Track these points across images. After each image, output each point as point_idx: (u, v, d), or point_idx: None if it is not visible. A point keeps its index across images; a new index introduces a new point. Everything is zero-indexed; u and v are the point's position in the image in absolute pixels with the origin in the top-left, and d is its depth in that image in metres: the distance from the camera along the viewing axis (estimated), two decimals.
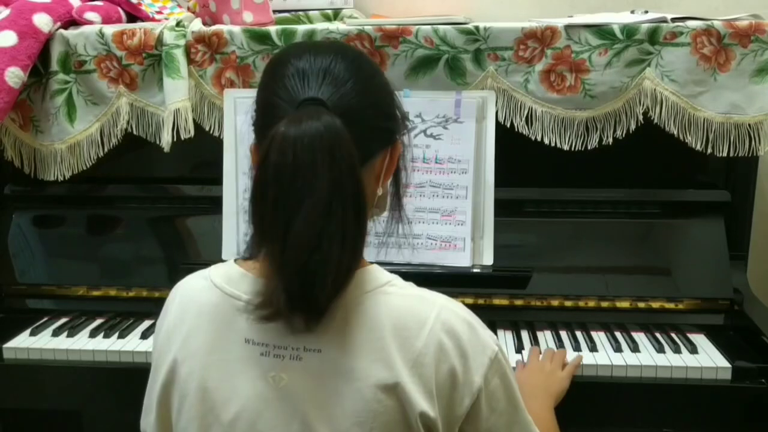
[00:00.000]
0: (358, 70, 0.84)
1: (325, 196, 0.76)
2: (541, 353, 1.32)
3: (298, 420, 0.80)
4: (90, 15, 1.58)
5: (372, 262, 0.88)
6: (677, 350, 1.34)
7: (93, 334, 1.44)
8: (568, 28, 1.42)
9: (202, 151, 1.56)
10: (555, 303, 1.46)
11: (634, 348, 1.35)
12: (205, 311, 0.86)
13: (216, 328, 0.84)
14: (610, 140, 1.46)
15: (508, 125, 1.47)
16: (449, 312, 0.83)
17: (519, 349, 1.36)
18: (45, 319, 1.51)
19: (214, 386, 0.84)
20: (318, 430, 0.79)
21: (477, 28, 1.44)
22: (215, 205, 1.47)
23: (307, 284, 0.77)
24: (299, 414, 0.80)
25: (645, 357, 1.32)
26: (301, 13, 1.69)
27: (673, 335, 1.40)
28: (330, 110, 0.79)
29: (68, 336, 1.44)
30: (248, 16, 1.56)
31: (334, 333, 0.81)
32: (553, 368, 1.27)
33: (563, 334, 1.41)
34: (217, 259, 1.44)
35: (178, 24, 1.52)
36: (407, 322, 0.81)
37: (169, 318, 0.90)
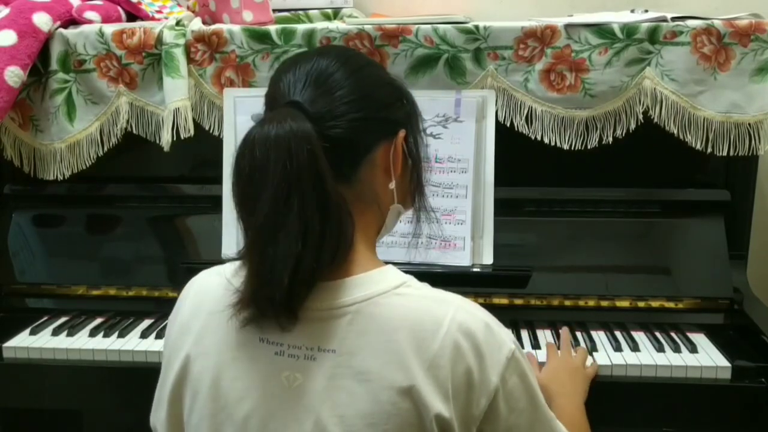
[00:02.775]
0: (343, 65, 0.85)
1: (279, 190, 0.76)
2: (558, 349, 1.29)
3: (311, 420, 0.80)
4: (90, 14, 1.58)
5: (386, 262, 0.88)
6: (677, 349, 1.34)
7: (93, 333, 1.44)
8: (568, 27, 1.42)
9: (202, 150, 1.56)
10: (555, 302, 1.46)
11: (634, 347, 1.35)
12: (220, 308, 0.85)
13: (230, 325, 0.84)
14: (610, 139, 1.46)
15: (508, 124, 1.47)
16: (465, 313, 0.82)
17: None
18: (45, 318, 1.51)
19: (227, 384, 0.84)
20: (331, 430, 0.79)
21: (477, 27, 1.44)
22: (215, 204, 1.47)
23: (265, 281, 0.77)
24: (312, 414, 0.80)
25: (645, 356, 1.32)
26: (300, 12, 1.68)
27: (673, 335, 1.40)
28: (307, 111, 0.80)
29: (68, 335, 1.43)
30: (248, 15, 1.56)
31: (348, 334, 0.81)
32: (578, 365, 1.23)
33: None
34: (218, 258, 1.44)
35: (177, 23, 1.52)
36: (423, 324, 0.80)
37: (183, 313, 0.90)
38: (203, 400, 0.85)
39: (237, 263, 0.88)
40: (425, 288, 0.85)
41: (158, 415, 0.92)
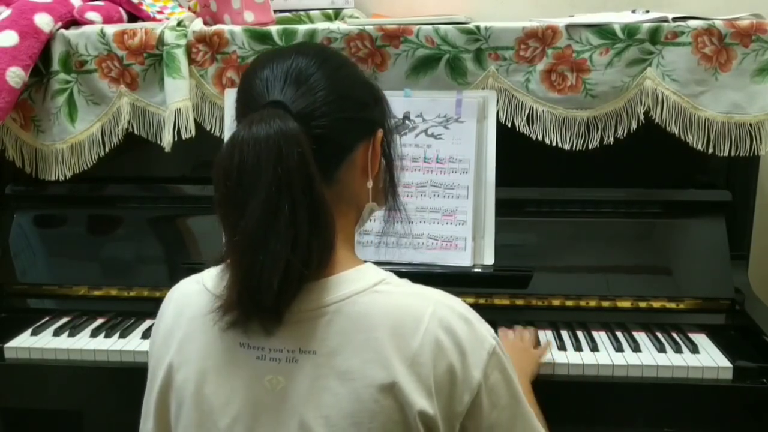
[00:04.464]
0: (322, 64, 0.84)
1: (269, 195, 0.76)
2: (510, 331, 1.34)
3: (295, 422, 0.80)
4: (91, 15, 1.58)
5: (373, 262, 0.87)
6: (678, 350, 1.34)
7: (94, 333, 1.44)
8: (569, 27, 1.42)
9: (203, 150, 1.56)
10: (556, 303, 1.46)
11: (636, 348, 1.35)
12: (199, 316, 0.85)
13: (210, 332, 0.84)
14: (611, 140, 1.46)
15: (509, 125, 1.47)
16: (445, 308, 0.82)
17: None
18: (46, 318, 1.51)
19: (210, 391, 0.83)
20: (316, 431, 0.79)
21: (478, 27, 1.44)
22: None
23: (254, 286, 0.77)
24: (297, 416, 0.80)
25: (646, 357, 1.32)
26: (302, 12, 1.69)
27: (675, 335, 1.40)
28: (291, 111, 0.80)
29: (69, 336, 1.44)
30: (249, 16, 1.56)
31: (328, 334, 0.80)
32: (526, 346, 1.28)
33: (564, 333, 1.41)
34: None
35: (179, 24, 1.52)
36: (403, 321, 0.80)
37: (164, 322, 0.90)
38: (188, 408, 0.84)
39: (214, 270, 0.89)
40: (405, 284, 0.85)
41: (146, 425, 0.91)
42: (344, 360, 0.80)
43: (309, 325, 0.81)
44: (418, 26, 1.45)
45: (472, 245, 1.43)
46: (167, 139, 1.48)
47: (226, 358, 0.83)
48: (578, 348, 1.35)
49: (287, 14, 1.67)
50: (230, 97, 1.48)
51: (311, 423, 0.79)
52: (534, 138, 1.47)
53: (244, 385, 0.82)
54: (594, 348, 1.35)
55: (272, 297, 0.77)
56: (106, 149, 1.56)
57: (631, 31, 1.41)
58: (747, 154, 1.43)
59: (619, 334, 1.41)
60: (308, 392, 0.80)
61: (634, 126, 1.44)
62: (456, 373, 0.80)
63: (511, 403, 0.85)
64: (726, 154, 1.43)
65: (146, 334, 1.43)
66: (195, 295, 0.88)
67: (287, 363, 0.81)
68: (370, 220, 0.98)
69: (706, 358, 1.32)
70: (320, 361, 0.80)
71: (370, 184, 0.89)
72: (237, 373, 0.83)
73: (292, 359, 0.81)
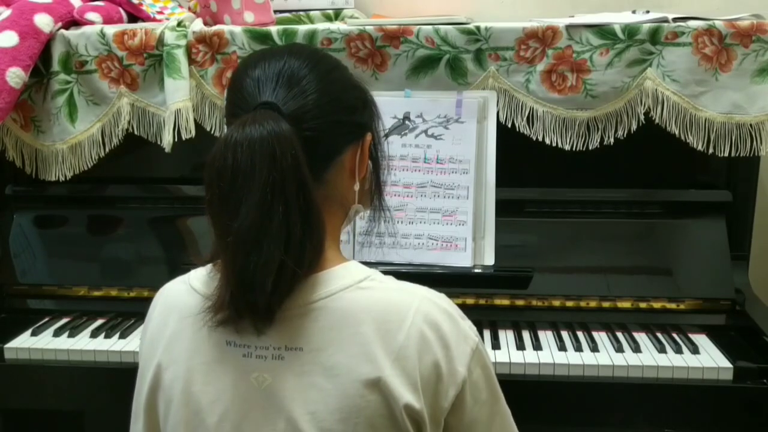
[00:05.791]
0: (314, 67, 0.85)
1: (263, 197, 0.76)
2: None
3: (283, 419, 0.81)
4: (91, 15, 1.58)
5: (374, 263, 0.88)
6: (679, 350, 1.34)
7: (94, 334, 1.44)
8: (569, 28, 1.42)
9: (204, 151, 1.53)
10: (556, 303, 1.46)
11: (636, 348, 1.35)
12: (186, 315, 0.86)
13: (197, 331, 0.84)
14: (612, 140, 1.46)
15: (510, 125, 1.47)
16: (429, 303, 0.83)
17: (520, 348, 1.36)
18: (46, 319, 1.51)
19: (198, 390, 0.84)
20: (303, 427, 0.80)
21: (478, 28, 1.44)
22: None
23: (247, 286, 0.77)
24: (284, 413, 0.81)
25: (646, 357, 1.32)
26: (302, 13, 1.69)
27: (675, 335, 1.40)
28: (283, 113, 0.80)
29: (69, 336, 1.44)
30: (249, 16, 1.56)
31: (314, 331, 0.81)
32: None
33: (564, 334, 1.41)
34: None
35: (179, 24, 1.52)
36: (388, 316, 0.81)
37: (152, 323, 0.91)
38: (176, 407, 0.85)
39: (201, 270, 0.89)
40: (389, 281, 0.86)
41: (136, 426, 0.92)
42: (330, 356, 0.80)
43: (296, 322, 0.81)
44: (418, 26, 1.45)
45: (473, 246, 1.43)
46: (167, 140, 1.48)
47: (214, 357, 0.84)
48: (578, 348, 1.35)
49: (287, 14, 1.67)
50: None
51: (298, 419, 0.80)
52: (534, 138, 1.47)
53: (232, 383, 0.83)
54: (594, 348, 1.35)
55: (265, 297, 0.78)
56: (106, 149, 1.56)
57: (631, 31, 1.41)
58: (747, 155, 1.44)
59: (619, 334, 1.41)
60: (295, 389, 0.81)
61: (634, 126, 1.44)
62: (441, 368, 0.81)
63: (490, 400, 0.86)
64: (726, 154, 1.43)
65: None
66: (182, 296, 0.88)
67: (273, 360, 0.82)
68: (361, 218, 0.98)
69: (707, 358, 1.32)
70: (306, 358, 0.81)
71: (357, 187, 0.89)
72: (224, 371, 0.83)
73: (278, 356, 0.81)
